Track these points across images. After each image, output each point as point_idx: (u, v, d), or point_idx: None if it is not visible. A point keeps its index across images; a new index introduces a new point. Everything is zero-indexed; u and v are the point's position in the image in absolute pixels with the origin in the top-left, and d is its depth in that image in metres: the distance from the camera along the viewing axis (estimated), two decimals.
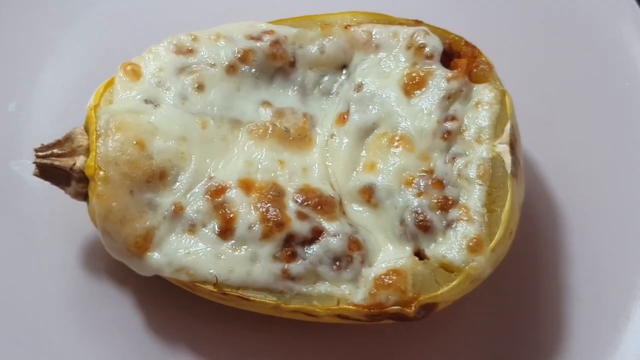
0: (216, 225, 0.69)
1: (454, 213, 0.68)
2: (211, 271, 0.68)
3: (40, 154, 0.71)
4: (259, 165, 0.72)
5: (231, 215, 0.69)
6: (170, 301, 0.77)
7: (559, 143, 0.84)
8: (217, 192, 0.70)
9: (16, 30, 0.88)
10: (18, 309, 0.77)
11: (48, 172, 0.71)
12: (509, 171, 0.69)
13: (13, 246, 0.79)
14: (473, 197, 0.69)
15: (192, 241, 0.69)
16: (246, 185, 0.71)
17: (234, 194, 0.70)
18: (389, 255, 0.69)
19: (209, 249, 0.69)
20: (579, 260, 0.79)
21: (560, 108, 0.85)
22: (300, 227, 0.69)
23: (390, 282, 0.67)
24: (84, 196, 0.71)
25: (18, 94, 0.86)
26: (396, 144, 0.71)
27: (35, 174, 0.72)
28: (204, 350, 0.76)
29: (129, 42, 0.85)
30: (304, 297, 0.69)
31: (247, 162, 0.72)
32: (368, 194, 0.71)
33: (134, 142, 0.69)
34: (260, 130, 0.74)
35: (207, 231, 0.69)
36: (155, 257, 0.69)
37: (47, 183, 0.72)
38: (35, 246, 0.79)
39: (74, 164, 0.70)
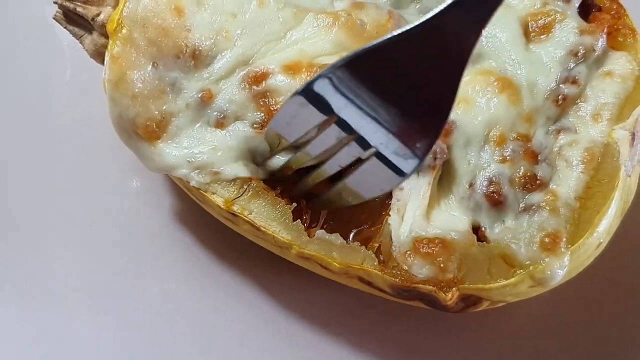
0: (257, 118, 0.58)
1: (536, 197, 0.56)
2: None
3: None
4: (318, 59, 0.59)
5: (276, 107, 0.57)
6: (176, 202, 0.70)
7: None
8: (256, 78, 0.58)
9: None
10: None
11: (70, 18, 0.63)
12: (621, 166, 0.56)
13: (30, 102, 0.73)
14: (567, 185, 0.56)
15: (221, 135, 0.58)
16: (290, 69, 0.58)
17: (278, 80, 0.58)
18: (445, 217, 0.57)
19: (241, 145, 0.58)
20: None
21: None
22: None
23: (431, 252, 0.54)
24: (103, 57, 0.61)
25: None
26: (500, 88, 0.58)
27: (55, 18, 0.63)
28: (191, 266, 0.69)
29: None
30: (324, 244, 0.57)
31: (301, 52, 0.59)
32: (445, 132, 0.57)
33: (172, 6, 0.59)
34: (330, 19, 0.60)
35: (241, 126, 0.58)
36: (170, 150, 0.58)
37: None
38: (50, 103, 0.73)
39: (98, 15, 0.61)
